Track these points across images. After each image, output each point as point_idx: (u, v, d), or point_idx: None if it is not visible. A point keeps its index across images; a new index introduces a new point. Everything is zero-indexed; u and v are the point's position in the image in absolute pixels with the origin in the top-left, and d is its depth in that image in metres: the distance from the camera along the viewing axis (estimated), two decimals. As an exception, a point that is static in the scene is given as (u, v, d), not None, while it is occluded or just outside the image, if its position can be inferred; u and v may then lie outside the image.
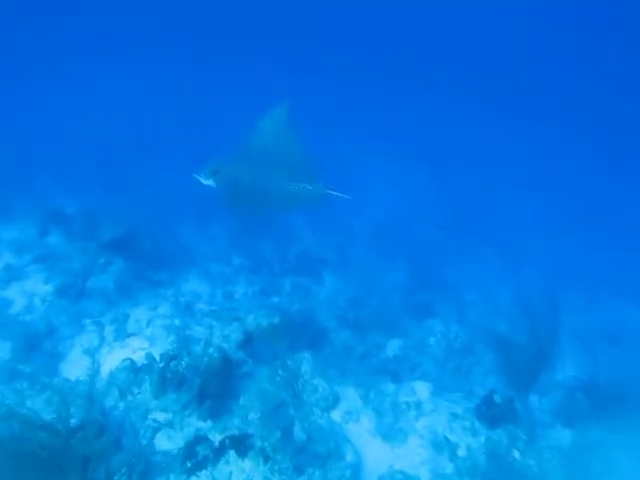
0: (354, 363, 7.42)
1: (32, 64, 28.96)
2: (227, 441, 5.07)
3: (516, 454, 5.68)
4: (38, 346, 6.21)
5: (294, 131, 5.08)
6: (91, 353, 6.23)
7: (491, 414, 5.97)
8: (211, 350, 5.68)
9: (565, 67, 34.95)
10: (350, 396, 6.25)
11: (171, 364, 5.64)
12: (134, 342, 6.55)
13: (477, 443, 5.78)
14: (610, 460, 5.42)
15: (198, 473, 4.86)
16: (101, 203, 10.07)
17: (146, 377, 5.68)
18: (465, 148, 24.57)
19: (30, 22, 29.29)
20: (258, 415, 5.41)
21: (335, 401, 6.08)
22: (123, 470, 4.32)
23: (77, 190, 11.27)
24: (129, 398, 5.53)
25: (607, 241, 15.95)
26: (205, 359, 5.60)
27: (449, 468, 5.55)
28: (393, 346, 8.13)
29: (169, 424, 5.28)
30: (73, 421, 4.22)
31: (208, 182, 5.06)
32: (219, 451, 5.03)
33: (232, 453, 5.02)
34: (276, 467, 4.92)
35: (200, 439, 5.09)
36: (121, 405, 5.43)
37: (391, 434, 5.90)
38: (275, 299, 8.60)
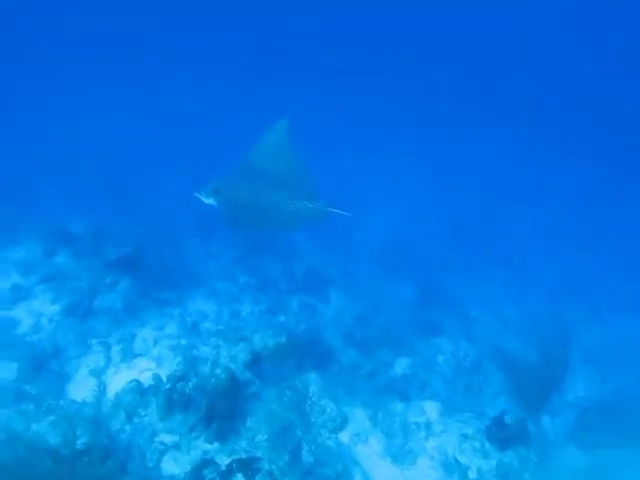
0: (362, 382, 7.32)
1: (33, 73, 29.32)
2: (234, 464, 5.00)
3: (527, 477, 5.58)
4: (45, 366, 6.16)
5: (295, 148, 5.05)
6: (97, 374, 6.17)
7: (502, 435, 5.89)
8: (218, 371, 5.65)
9: (565, 67, 35.02)
10: (358, 417, 6.18)
11: (178, 385, 5.60)
12: (141, 363, 6.49)
13: (488, 465, 5.70)
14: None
15: (205, 498, 4.79)
16: (106, 221, 10.13)
17: (152, 399, 5.63)
18: (468, 155, 24.74)
19: (30, 22, 29.49)
20: (265, 437, 5.35)
21: (343, 422, 6.02)
22: (129, 495, 4.27)
23: (82, 208, 11.34)
24: (135, 420, 5.47)
25: (609, 256, 15.86)
26: (212, 380, 5.57)
27: (460, 491, 5.45)
28: (401, 364, 8.04)
29: (176, 446, 5.23)
30: (79, 445, 4.18)
31: (209, 201, 5.04)
32: (226, 475, 4.94)
33: (240, 477, 4.93)
34: (284, 491, 4.85)
35: (207, 462, 5.03)
36: (127, 428, 5.37)
37: (400, 455, 5.83)
38: (282, 318, 8.54)
